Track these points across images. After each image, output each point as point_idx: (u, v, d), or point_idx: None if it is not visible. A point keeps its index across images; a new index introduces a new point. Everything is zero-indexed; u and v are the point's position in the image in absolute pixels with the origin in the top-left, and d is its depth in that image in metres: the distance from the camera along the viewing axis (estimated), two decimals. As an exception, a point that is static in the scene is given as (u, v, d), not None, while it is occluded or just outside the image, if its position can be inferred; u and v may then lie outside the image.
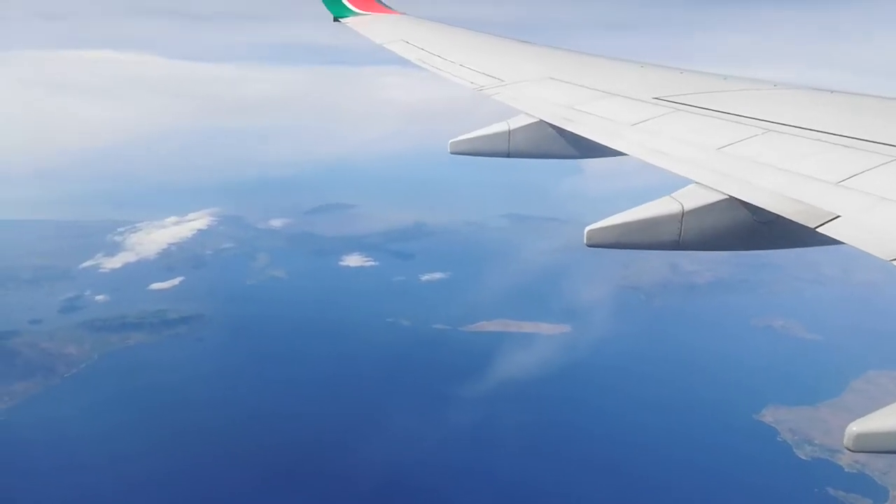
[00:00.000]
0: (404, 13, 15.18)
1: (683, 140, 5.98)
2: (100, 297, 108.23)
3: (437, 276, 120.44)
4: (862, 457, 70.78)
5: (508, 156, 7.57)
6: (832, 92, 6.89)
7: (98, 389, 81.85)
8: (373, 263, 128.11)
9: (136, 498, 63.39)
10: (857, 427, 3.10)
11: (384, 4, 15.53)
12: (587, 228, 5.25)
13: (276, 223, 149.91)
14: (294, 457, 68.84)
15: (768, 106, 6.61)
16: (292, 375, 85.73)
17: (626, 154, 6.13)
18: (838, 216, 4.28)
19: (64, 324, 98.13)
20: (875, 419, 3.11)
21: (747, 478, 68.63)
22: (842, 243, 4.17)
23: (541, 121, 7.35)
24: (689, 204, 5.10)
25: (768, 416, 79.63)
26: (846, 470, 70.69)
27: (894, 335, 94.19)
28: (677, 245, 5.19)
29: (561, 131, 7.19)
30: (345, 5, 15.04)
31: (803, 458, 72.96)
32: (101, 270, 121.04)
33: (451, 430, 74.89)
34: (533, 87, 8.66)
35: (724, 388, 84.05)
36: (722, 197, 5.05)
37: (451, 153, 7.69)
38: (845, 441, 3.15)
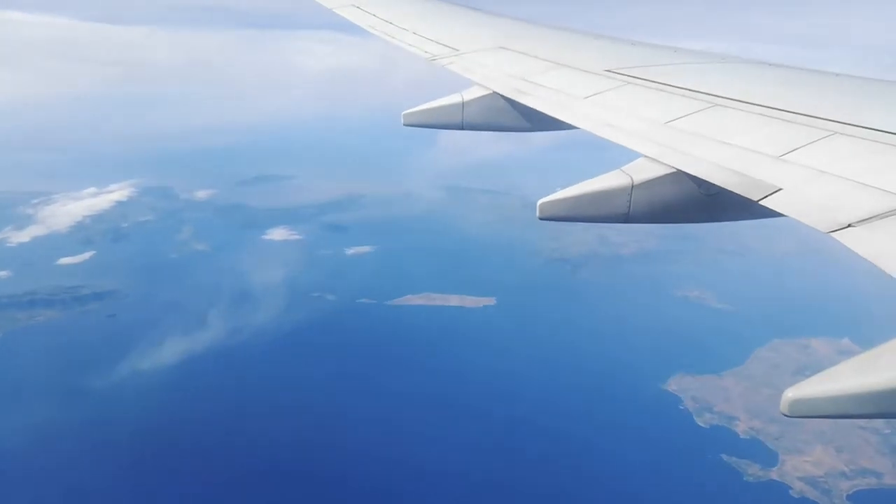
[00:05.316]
0: None
1: (633, 114, 6.08)
2: (2, 273, 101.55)
3: (366, 249, 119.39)
4: (757, 423, 73.83)
5: (462, 128, 7.52)
6: (774, 66, 7.12)
7: (2, 369, 77.19)
8: (297, 237, 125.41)
9: (45, 478, 60.61)
10: (792, 393, 3.14)
11: None
12: (540, 201, 5.29)
13: (204, 195, 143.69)
14: (211, 434, 67.32)
15: (715, 79, 6.79)
16: (206, 350, 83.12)
17: (578, 128, 6.22)
18: (780, 189, 4.42)
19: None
20: (809, 385, 3.15)
21: (645, 448, 69.52)
22: (783, 216, 4.34)
23: (494, 93, 7.31)
24: (639, 177, 5.21)
25: (673, 384, 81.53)
26: (741, 436, 72.79)
27: (803, 304, 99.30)
28: (627, 218, 5.28)
29: (514, 104, 7.17)
30: None
31: (702, 425, 74.68)
32: (7, 245, 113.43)
33: (372, 405, 74.42)
34: (485, 56, 8.57)
35: (634, 359, 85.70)
36: (669, 170, 5.16)
37: (405, 125, 7.55)
38: (781, 407, 3.17)
